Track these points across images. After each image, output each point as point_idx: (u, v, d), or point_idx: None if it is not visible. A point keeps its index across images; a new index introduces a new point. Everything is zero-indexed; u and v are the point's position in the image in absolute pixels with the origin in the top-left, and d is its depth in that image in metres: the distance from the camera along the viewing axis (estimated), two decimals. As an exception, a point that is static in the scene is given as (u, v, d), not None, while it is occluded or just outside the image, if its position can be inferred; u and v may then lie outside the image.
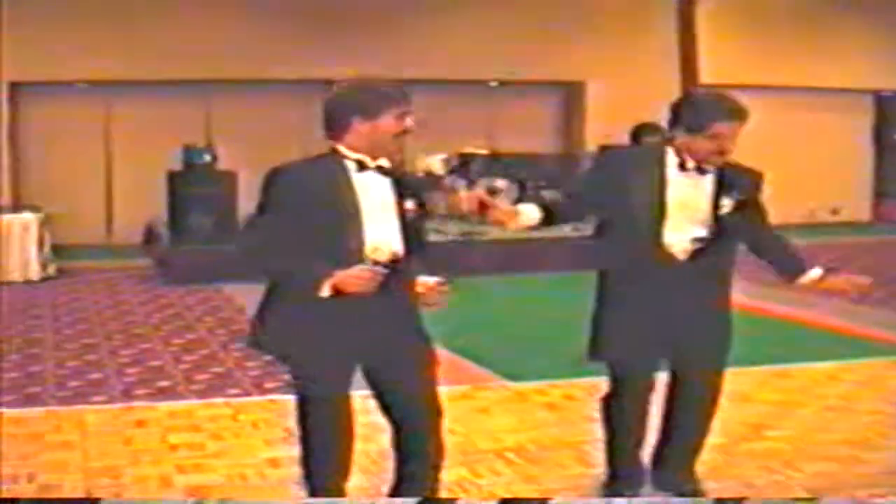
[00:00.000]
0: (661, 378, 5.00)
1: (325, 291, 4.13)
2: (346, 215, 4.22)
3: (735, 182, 4.78)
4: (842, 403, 6.98)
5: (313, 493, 4.50)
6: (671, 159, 4.77)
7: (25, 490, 5.24)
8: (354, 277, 4.12)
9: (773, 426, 6.41)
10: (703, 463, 5.18)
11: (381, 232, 4.27)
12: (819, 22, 20.84)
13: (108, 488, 5.30)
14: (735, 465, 5.60)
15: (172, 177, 14.81)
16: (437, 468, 4.57)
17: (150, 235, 15.81)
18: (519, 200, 17.40)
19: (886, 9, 20.89)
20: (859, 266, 14.78)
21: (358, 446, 4.60)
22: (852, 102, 21.70)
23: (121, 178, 18.37)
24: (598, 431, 5.16)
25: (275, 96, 18.05)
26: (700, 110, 4.71)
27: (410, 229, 4.39)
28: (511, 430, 6.37)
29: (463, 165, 17.35)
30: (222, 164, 15.17)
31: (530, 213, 4.85)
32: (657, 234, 4.74)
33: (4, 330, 9.97)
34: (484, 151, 17.77)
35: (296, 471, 4.61)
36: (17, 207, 15.09)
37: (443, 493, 5.12)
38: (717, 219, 4.76)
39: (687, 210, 4.75)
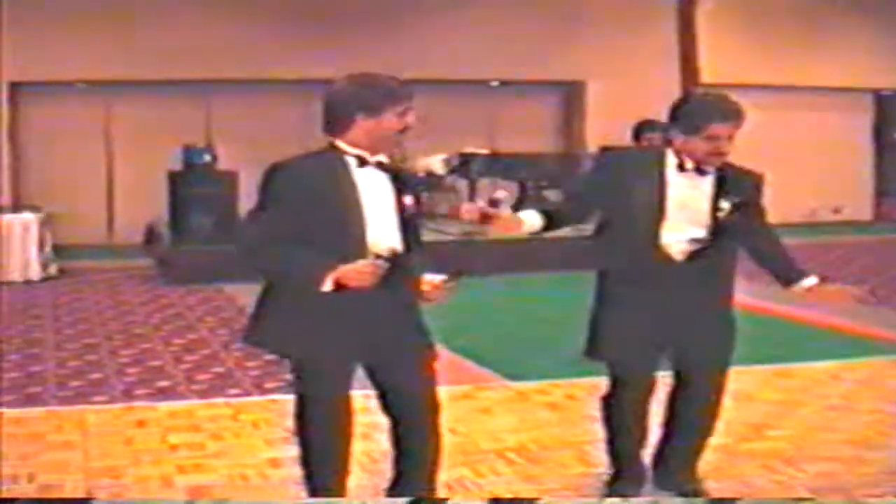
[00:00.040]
0: (665, 378, 5.01)
1: (327, 286, 4.12)
2: (347, 211, 4.22)
3: (734, 184, 4.78)
4: (843, 403, 6.97)
5: (313, 492, 4.50)
6: (670, 160, 4.77)
7: (26, 490, 5.23)
8: (356, 272, 4.10)
9: (775, 426, 6.40)
10: (705, 463, 5.18)
11: (381, 227, 4.27)
12: (819, 21, 20.84)
13: (108, 488, 5.29)
14: (736, 465, 5.59)
15: (173, 177, 14.83)
16: (434, 464, 4.57)
17: (150, 235, 15.82)
18: (520, 201, 17.50)
19: (886, 8, 20.89)
20: (860, 265, 14.79)
21: (359, 446, 4.60)
22: (853, 101, 21.71)
23: (121, 178, 18.39)
24: (600, 431, 5.15)
25: (275, 96, 18.07)
26: (696, 112, 4.72)
27: (409, 225, 4.39)
28: (512, 429, 6.36)
29: (463, 165, 17.34)
30: (222, 164, 15.18)
31: (532, 220, 4.85)
32: (654, 235, 4.74)
33: (5, 330, 9.97)
34: (484, 151, 17.75)
35: (296, 471, 4.60)
36: (17, 207, 15.11)
37: (443, 492, 5.13)
38: (715, 220, 4.76)
39: (686, 211, 4.75)
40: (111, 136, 18.44)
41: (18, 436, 6.15)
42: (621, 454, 5.10)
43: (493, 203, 4.37)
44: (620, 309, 4.83)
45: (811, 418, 6.60)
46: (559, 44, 19.12)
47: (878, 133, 22.45)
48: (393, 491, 4.64)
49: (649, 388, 4.93)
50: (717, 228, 4.76)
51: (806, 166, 20.59)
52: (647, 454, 5.17)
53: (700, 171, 4.74)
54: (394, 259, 4.25)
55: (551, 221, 4.88)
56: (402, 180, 4.40)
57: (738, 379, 5.95)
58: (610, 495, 5.10)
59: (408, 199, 4.38)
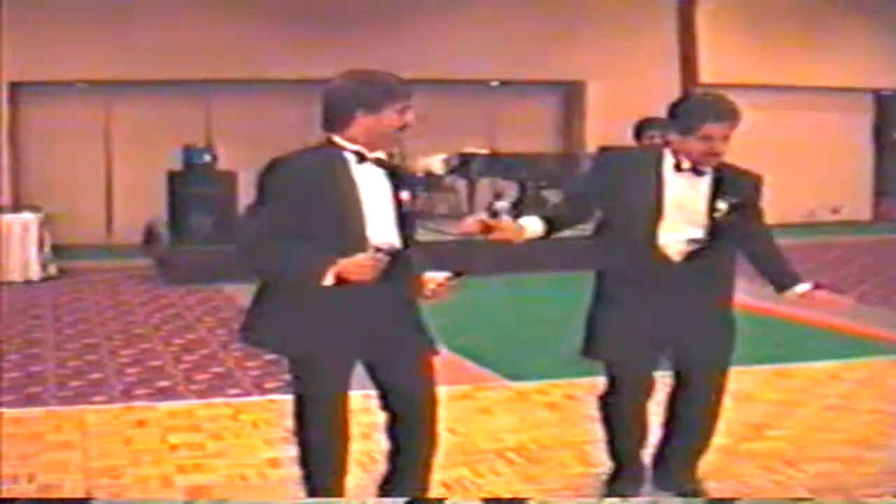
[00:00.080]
0: (665, 378, 5.01)
1: (328, 280, 4.12)
2: (347, 206, 4.22)
3: (732, 184, 4.78)
4: (843, 403, 6.98)
5: (312, 492, 4.50)
6: (668, 160, 4.78)
7: (25, 490, 5.23)
8: (357, 265, 4.10)
9: (775, 426, 6.40)
10: (704, 463, 5.18)
11: (380, 223, 4.27)
12: (819, 21, 20.84)
13: (108, 488, 5.29)
14: (736, 465, 5.59)
15: (172, 177, 14.83)
16: (430, 462, 4.58)
17: (150, 235, 15.82)
18: (520, 201, 17.49)
19: (886, 8, 20.89)
20: (859, 265, 14.79)
21: (359, 446, 4.60)
22: (852, 101, 21.70)
23: (121, 178, 18.38)
24: (599, 431, 5.16)
25: (274, 96, 18.06)
26: (691, 112, 4.72)
27: (406, 221, 4.39)
28: (512, 429, 6.36)
29: (463, 165, 17.35)
30: (222, 164, 15.18)
31: (534, 226, 4.85)
32: (652, 235, 4.75)
33: (5, 330, 9.97)
34: (484, 151, 17.77)
35: (296, 471, 4.60)
36: (17, 207, 15.11)
37: (442, 492, 5.14)
38: (713, 221, 4.76)
39: (683, 211, 4.75)
40: (111, 136, 18.43)
41: (18, 436, 6.15)
42: (619, 453, 5.11)
43: (493, 213, 4.37)
44: (618, 309, 4.84)
45: (811, 418, 6.61)
46: (559, 44, 19.11)
47: (878, 133, 22.44)
48: (385, 487, 4.64)
49: (647, 388, 4.94)
50: (715, 229, 4.76)
51: (805, 166, 20.58)
52: (648, 454, 5.17)
53: (697, 171, 4.74)
54: (393, 254, 4.25)
55: (552, 226, 4.88)
56: (399, 177, 4.40)
57: (738, 379, 5.95)
58: (609, 495, 5.11)
59: (405, 195, 4.39)
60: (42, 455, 5.82)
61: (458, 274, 4.48)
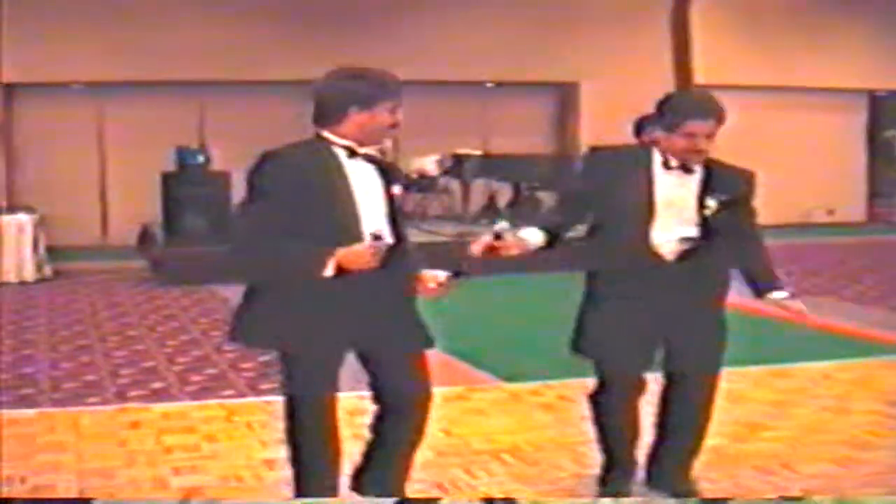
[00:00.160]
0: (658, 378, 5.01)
1: (329, 271, 4.11)
2: (340, 201, 4.22)
3: (721, 181, 4.78)
4: (837, 403, 6.97)
5: (305, 492, 4.49)
6: (656, 158, 4.78)
7: (18, 492, 5.21)
8: (357, 253, 4.11)
9: (769, 426, 6.40)
10: (699, 463, 5.18)
11: (373, 218, 4.28)
12: (813, 22, 20.87)
13: (102, 490, 5.28)
14: (730, 466, 5.59)
15: (166, 178, 14.82)
16: (412, 456, 4.61)
17: (144, 237, 15.81)
18: (514, 202, 17.47)
19: (880, 8, 20.92)
20: (854, 267, 14.79)
21: (354, 447, 4.59)
22: (847, 102, 21.74)
23: (115, 179, 18.38)
24: (593, 432, 5.15)
25: (268, 97, 18.04)
26: (675, 109, 4.73)
27: (398, 216, 4.39)
28: (506, 430, 6.36)
29: (457, 166, 17.35)
30: (216, 165, 15.19)
31: (535, 237, 4.84)
32: (645, 234, 4.74)
33: (-1, 331, 9.96)
34: (478, 152, 17.78)
35: (290, 472, 4.60)
36: (11, 209, 15.08)
37: (437, 493, 5.13)
38: (704, 218, 4.76)
39: (674, 209, 4.75)
40: (105, 138, 18.42)
41: (12, 437, 6.13)
42: (610, 451, 5.10)
43: (497, 235, 4.39)
44: (609, 307, 4.83)
45: (806, 419, 6.60)
46: (553, 45, 19.13)
47: (872, 134, 22.47)
48: (360, 478, 4.63)
49: (637, 387, 4.93)
50: (708, 227, 4.75)
51: (800, 167, 20.61)
52: (641, 454, 5.17)
53: (686, 168, 4.75)
54: (390, 246, 4.25)
55: (552, 235, 4.89)
56: (389, 172, 4.41)
57: (733, 379, 5.96)
58: (601, 493, 5.11)
59: (396, 190, 4.39)
60: (36, 457, 5.80)
61: (456, 274, 4.49)
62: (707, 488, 5.15)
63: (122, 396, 7.45)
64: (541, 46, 19.04)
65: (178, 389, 7.65)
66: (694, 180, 4.76)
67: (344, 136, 4.27)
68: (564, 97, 20.41)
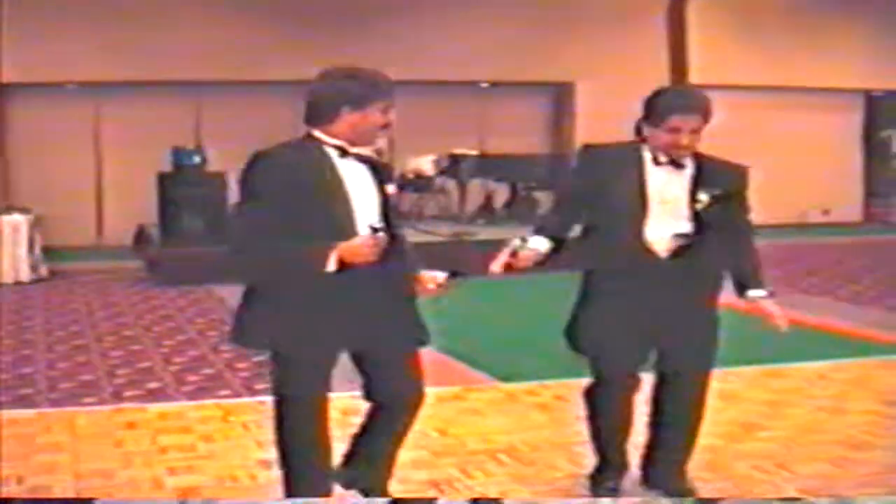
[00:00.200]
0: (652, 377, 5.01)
1: (332, 266, 4.11)
2: (335, 200, 4.22)
3: (713, 176, 4.79)
4: (833, 403, 6.98)
5: (298, 493, 4.49)
6: (646, 154, 4.79)
7: (14, 492, 5.21)
8: (357, 246, 4.12)
9: (765, 426, 6.41)
10: (695, 463, 5.18)
11: (367, 217, 4.27)
12: (809, 22, 20.88)
13: (98, 490, 5.28)
14: (726, 466, 5.59)
15: (162, 178, 14.80)
16: (395, 455, 4.63)
17: (140, 237, 15.80)
18: (511, 202, 17.46)
19: (877, 8, 20.93)
20: (851, 267, 14.80)
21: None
22: (843, 102, 21.75)
23: (111, 179, 18.37)
24: (587, 429, 5.16)
25: (264, 97, 18.03)
26: (660, 104, 4.75)
27: (392, 215, 4.40)
28: (502, 430, 6.36)
29: (453, 166, 17.36)
30: (212, 166, 15.16)
31: (543, 246, 4.85)
32: (638, 231, 4.75)
33: (-6, 332, 9.95)
34: (474, 152, 17.78)
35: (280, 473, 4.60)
36: (7, 209, 15.07)
37: (433, 493, 5.13)
38: (697, 213, 4.77)
39: (666, 205, 4.76)
40: (101, 138, 18.40)
41: (8, 437, 6.13)
42: (602, 447, 5.11)
43: (512, 252, 4.47)
44: (604, 304, 4.84)
45: (801, 419, 6.61)
46: (548, 45, 19.13)
47: (868, 134, 22.48)
48: (341, 471, 4.64)
49: (631, 385, 4.93)
50: (701, 223, 4.76)
51: (796, 167, 20.62)
52: (636, 455, 5.17)
53: (676, 164, 4.75)
54: (388, 241, 4.25)
55: (556, 241, 4.90)
56: (382, 171, 4.41)
57: (728, 379, 5.98)
58: (594, 491, 5.11)
59: (391, 188, 4.40)
60: (32, 457, 5.80)
61: (454, 274, 4.50)
62: (702, 487, 5.15)
63: (118, 396, 7.45)
64: (537, 46, 19.04)
65: (175, 389, 7.65)
66: (685, 175, 4.77)
67: (336, 136, 4.27)
68: (560, 97, 20.41)
